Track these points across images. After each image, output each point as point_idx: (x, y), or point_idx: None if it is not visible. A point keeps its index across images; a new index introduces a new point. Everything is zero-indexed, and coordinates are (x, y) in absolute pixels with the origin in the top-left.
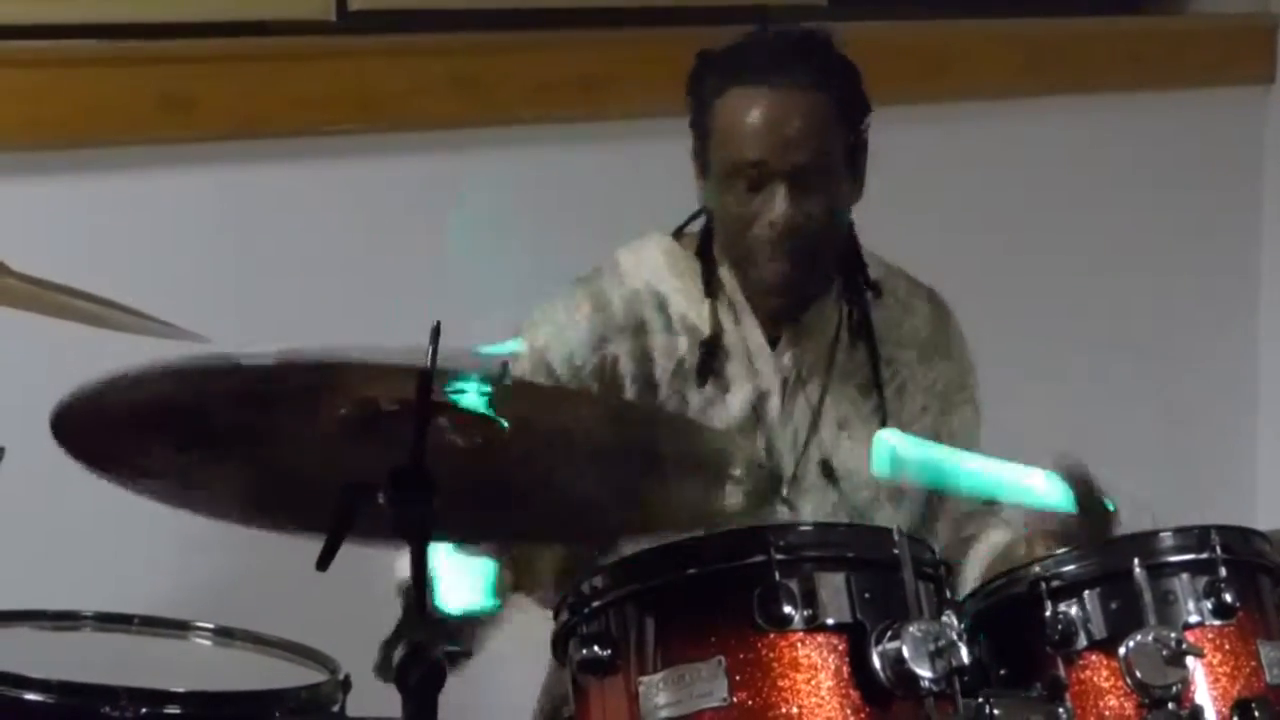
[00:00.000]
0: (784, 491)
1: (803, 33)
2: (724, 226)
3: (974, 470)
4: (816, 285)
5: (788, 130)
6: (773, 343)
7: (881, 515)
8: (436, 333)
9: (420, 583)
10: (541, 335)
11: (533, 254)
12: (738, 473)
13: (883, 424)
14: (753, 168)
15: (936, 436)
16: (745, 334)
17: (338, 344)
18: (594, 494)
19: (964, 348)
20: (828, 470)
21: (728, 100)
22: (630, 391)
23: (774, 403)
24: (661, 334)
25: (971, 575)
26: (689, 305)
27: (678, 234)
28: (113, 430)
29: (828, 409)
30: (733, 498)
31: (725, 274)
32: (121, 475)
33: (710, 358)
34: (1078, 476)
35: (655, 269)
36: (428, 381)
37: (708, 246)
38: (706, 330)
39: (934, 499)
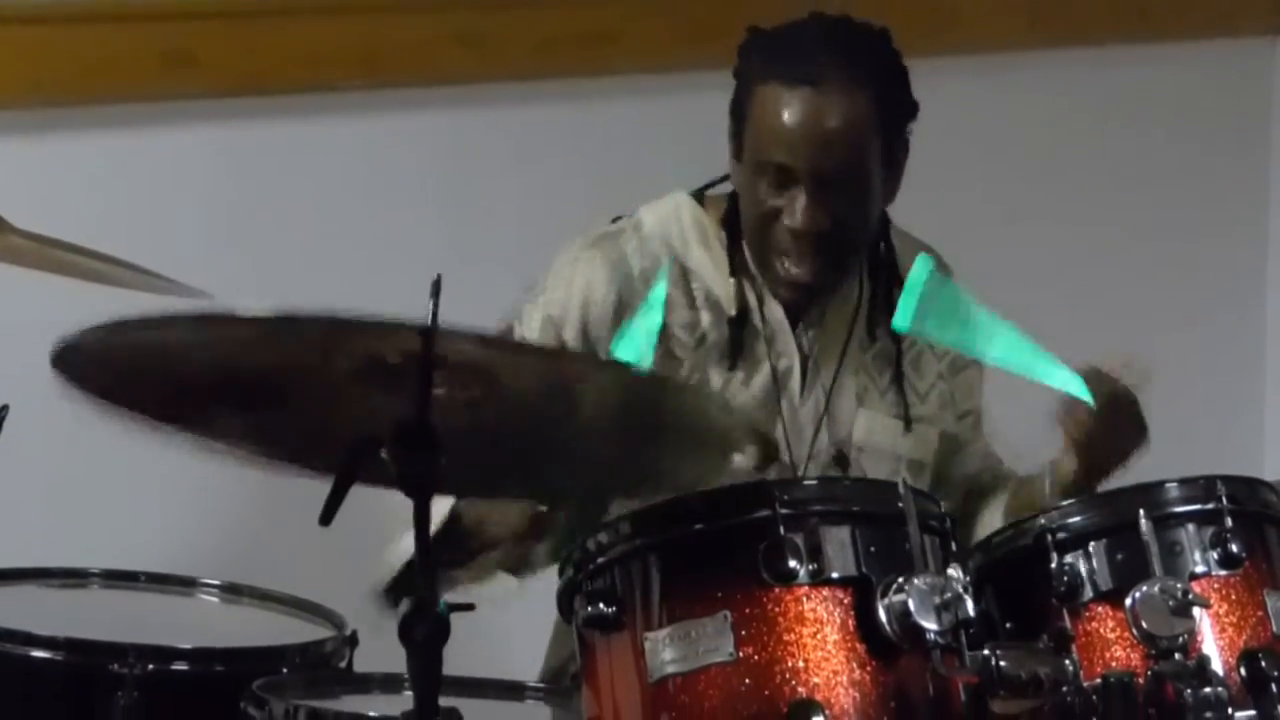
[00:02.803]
0: (800, 471)
1: (856, 27)
2: (748, 215)
3: (1007, 340)
4: (838, 279)
5: (821, 134)
6: (794, 320)
7: None
8: (437, 287)
9: (424, 538)
10: (557, 309)
11: (537, 209)
12: (741, 449)
13: (900, 395)
14: (779, 169)
15: (945, 402)
16: (768, 312)
17: (342, 299)
18: (596, 454)
19: None
20: (840, 458)
21: (765, 92)
22: (650, 363)
23: (795, 380)
24: (683, 309)
25: (992, 522)
26: (714, 279)
27: (700, 194)
28: (115, 370)
29: (846, 384)
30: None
31: (749, 251)
32: (122, 411)
33: (739, 335)
34: (1100, 378)
35: (681, 237)
36: (431, 336)
37: (735, 220)
38: (731, 307)
39: (944, 469)
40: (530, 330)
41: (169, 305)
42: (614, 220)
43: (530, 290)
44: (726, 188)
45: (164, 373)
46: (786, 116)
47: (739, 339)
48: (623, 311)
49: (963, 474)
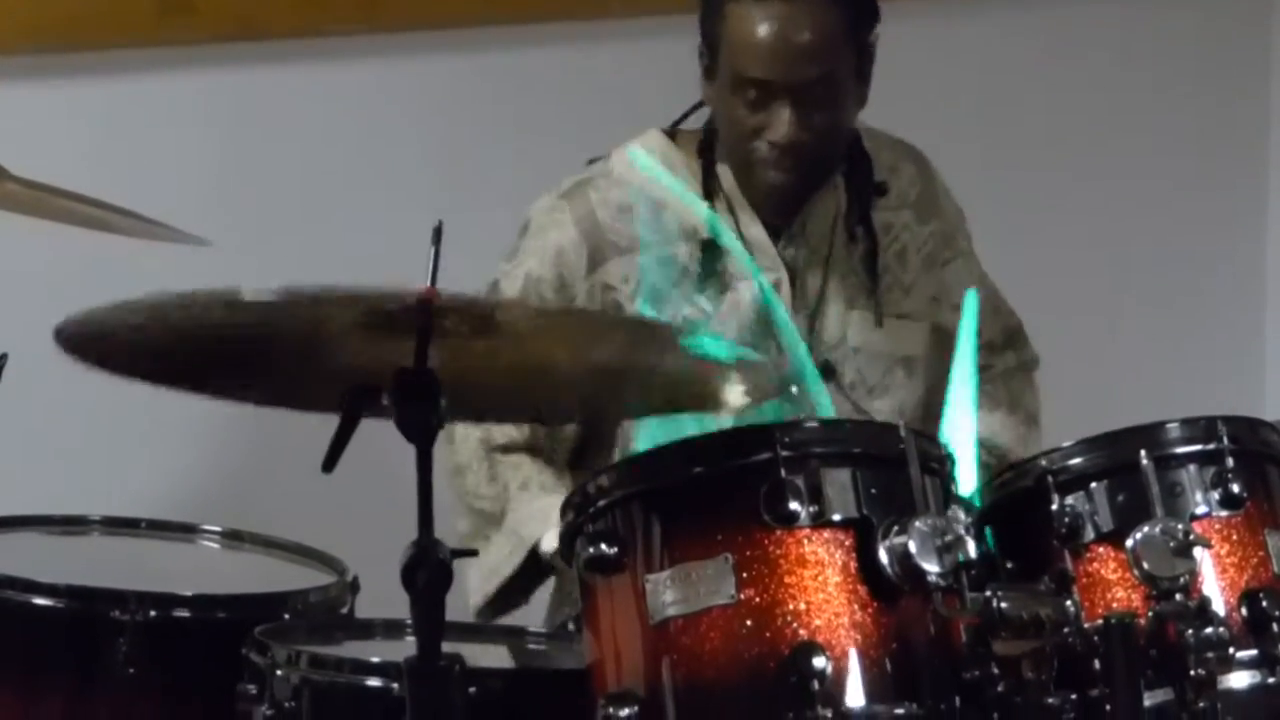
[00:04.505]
0: (792, 389)
1: None
2: (727, 134)
3: None
4: (815, 187)
5: (797, 48)
6: (774, 235)
7: (895, 384)
8: (438, 234)
9: (425, 484)
10: (534, 263)
11: (536, 153)
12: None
13: (882, 293)
14: (759, 85)
15: (938, 294)
16: (745, 229)
17: (340, 245)
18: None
19: (950, 201)
20: (827, 369)
21: (738, 10)
22: (632, 310)
23: (785, 293)
24: (657, 247)
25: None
26: (686, 206)
27: (675, 127)
28: (118, 341)
29: (834, 290)
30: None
31: (724, 171)
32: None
33: (710, 259)
34: None
35: (651, 171)
36: (431, 282)
37: (709, 144)
38: (705, 231)
39: (945, 365)
40: (511, 292)
41: (160, 257)
42: (590, 162)
43: (507, 255)
44: (698, 120)
45: (162, 337)
46: (761, 31)
47: (709, 261)
48: (596, 261)
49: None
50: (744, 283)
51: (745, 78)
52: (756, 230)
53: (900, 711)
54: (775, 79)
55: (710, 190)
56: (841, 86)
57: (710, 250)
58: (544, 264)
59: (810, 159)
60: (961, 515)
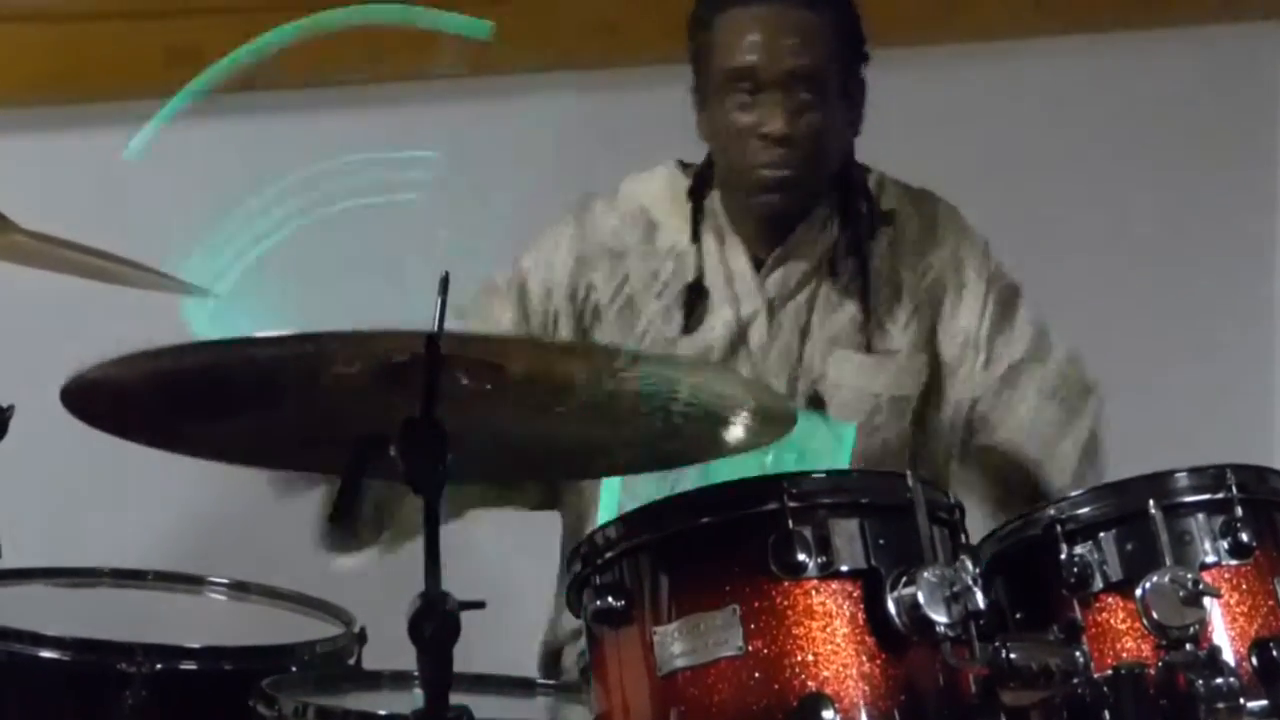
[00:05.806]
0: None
1: None
2: (722, 142)
3: None
4: (805, 203)
5: (785, 40)
6: (757, 266)
7: (883, 423)
8: (445, 284)
9: (433, 535)
10: (529, 257)
11: (542, 202)
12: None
13: (873, 330)
14: (750, 75)
15: (927, 328)
16: (728, 258)
17: (347, 294)
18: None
19: (957, 234)
20: (815, 399)
21: (726, 19)
22: (609, 316)
23: (760, 325)
24: (643, 259)
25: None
26: (678, 231)
27: (686, 164)
28: (124, 400)
29: (816, 327)
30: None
31: (715, 202)
32: (132, 436)
33: (694, 298)
34: None
35: (652, 194)
36: (437, 332)
37: (701, 178)
38: (690, 263)
39: (938, 395)
40: (503, 282)
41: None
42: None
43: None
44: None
45: (167, 390)
46: (751, 29)
47: (692, 300)
48: (584, 260)
49: (958, 399)
50: (720, 311)
51: (735, 69)
52: (739, 261)
53: None
54: (763, 64)
55: (697, 218)
56: (827, 90)
57: (694, 293)
58: (536, 261)
59: (803, 159)
60: (970, 565)
